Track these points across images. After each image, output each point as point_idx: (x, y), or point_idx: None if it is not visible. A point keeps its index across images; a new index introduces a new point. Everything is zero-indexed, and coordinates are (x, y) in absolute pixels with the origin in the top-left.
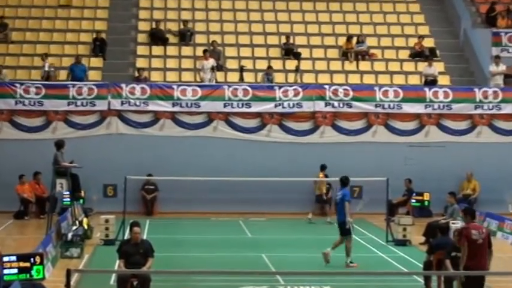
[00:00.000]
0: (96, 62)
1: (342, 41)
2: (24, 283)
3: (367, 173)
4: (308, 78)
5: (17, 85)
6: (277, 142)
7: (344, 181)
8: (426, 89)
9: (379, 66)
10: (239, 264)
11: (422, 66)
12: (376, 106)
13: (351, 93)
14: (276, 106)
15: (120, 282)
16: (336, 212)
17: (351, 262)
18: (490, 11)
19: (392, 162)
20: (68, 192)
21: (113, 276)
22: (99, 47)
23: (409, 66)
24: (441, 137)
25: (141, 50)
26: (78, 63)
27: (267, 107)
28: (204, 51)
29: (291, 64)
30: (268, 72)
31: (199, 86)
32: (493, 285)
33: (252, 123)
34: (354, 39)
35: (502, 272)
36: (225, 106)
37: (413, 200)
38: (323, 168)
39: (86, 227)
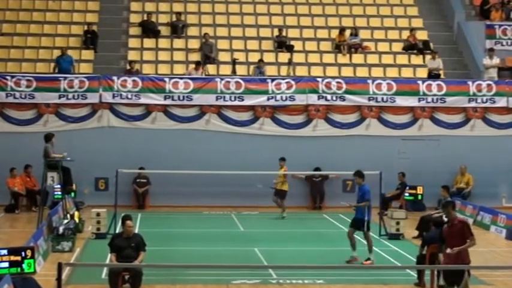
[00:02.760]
0: (88, 54)
1: (334, 33)
2: (15, 277)
3: (360, 167)
4: (301, 71)
5: (8, 78)
6: (269, 135)
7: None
8: (419, 82)
9: (372, 59)
10: (231, 258)
11: (415, 59)
12: (369, 99)
13: (344, 86)
14: (268, 99)
15: (112, 276)
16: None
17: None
18: (484, 3)
19: (386, 156)
20: (59, 186)
21: (105, 270)
22: (90, 40)
23: (402, 59)
24: (435, 131)
25: (133, 42)
26: (63, 55)
27: (260, 100)
28: (197, 63)
29: (283, 57)
30: (259, 65)
31: (191, 79)
32: (487, 279)
33: (245, 116)
34: (347, 32)
35: (496, 266)
36: (217, 99)
37: (407, 194)
38: (283, 160)
39: (77, 220)
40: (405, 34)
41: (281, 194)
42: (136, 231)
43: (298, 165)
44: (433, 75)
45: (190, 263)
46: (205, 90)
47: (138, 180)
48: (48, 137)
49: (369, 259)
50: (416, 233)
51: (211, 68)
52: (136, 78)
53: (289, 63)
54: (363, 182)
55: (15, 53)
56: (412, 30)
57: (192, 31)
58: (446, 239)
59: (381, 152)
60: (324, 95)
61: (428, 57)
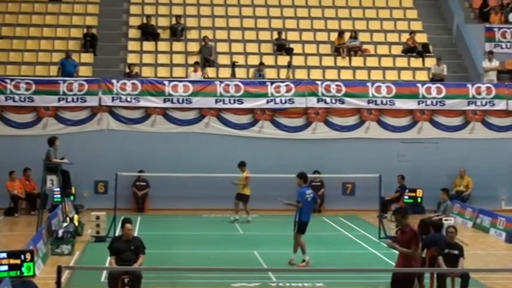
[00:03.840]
0: (87, 57)
1: (334, 36)
2: (14, 280)
3: (360, 170)
4: (300, 74)
5: (7, 81)
6: (269, 138)
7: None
8: (419, 85)
9: (371, 61)
10: (231, 261)
11: (414, 62)
12: (368, 102)
13: (344, 89)
14: (268, 102)
15: (111, 279)
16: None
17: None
18: (483, 6)
19: (385, 159)
20: (58, 189)
21: (104, 273)
22: (89, 43)
23: (402, 62)
24: (434, 133)
25: (132, 45)
26: (69, 58)
27: (259, 103)
28: (195, 63)
29: (283, 60)
30: (260, 68)
31: (191, 82)
32: (487, 282)
33: (244, 119)
34: (346, 35)
35: (495, 269)
36: (216, 102)
37: (406, 197)
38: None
39: (76, 223)
40: (405, 37)
41: (242, 197)
42: (135, 234)
43: (297, 168)
44: (435, 81)
45: (189, 266)
46: (205, 93)
47: (137, 183)
48: (52, 141)
49: (303, 261)
50: None
51: (210, 71)
52: (135, 81)
53: (289, 66)
54: (303, 184)
55: (14, 56)
56: (412, 33)
57: (192, 34)
58: (398, 245)
59: (381, 154)
60: (324, 97)
61: (433, 61)
